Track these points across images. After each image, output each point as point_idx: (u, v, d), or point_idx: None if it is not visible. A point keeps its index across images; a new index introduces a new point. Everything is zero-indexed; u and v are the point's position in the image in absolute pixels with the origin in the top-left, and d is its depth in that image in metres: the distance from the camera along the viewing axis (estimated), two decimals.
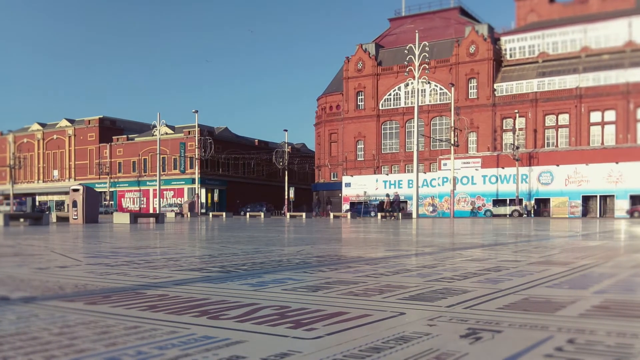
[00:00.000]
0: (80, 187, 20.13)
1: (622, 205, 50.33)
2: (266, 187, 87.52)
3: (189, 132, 76.52)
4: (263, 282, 3.37)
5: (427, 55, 45.86)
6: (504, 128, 67.03)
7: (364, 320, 2.17)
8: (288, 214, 44.09)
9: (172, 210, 53.86)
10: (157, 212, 48.40)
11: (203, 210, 65.33)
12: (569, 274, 3.81)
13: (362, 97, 76.38)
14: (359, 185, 64.34)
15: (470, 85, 69.51)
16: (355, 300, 2.67)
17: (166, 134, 77.64)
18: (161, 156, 64.01)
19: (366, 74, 76.01)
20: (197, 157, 66.59)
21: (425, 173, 61.42)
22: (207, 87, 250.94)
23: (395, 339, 1.85)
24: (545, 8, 74.22)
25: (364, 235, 10.57)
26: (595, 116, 63.85)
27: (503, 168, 56.46)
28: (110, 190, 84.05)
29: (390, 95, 74.88)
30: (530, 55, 69.19)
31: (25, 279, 3.53)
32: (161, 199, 63.83)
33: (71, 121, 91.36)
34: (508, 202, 54.64)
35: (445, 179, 56.05)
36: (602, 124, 63.57)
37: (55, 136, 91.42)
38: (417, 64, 43.52)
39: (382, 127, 75.13)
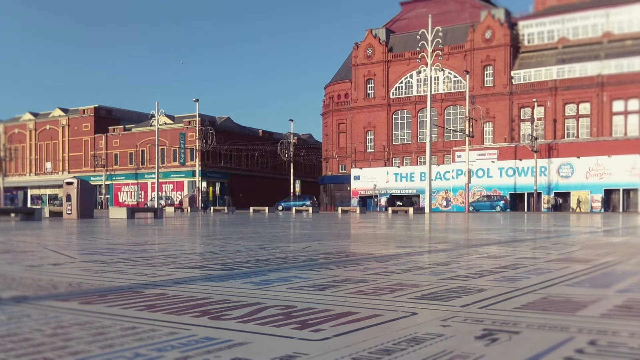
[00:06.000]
0: (75, 180, 20.21)
1: None
2: (271, 179, 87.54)
3: (189, 122, 76.58)
4: (267, 280, 3.38)
5: (441, 41, 45.58)
6: (522, 118, 66.79)
7: (374, 320, 2.17)
8: (294, 209, 44.29)
9: (163, 205, 53.94)
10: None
11: (203, 205, 65.45)
12: (590, 272, 3.80)
13: (372, 85, 76.20)
14: (369, 178, 64.39)
15: (486, 72, 69.23)
16: (364, 300, 2.67)
17: (165, 124, 77.77)
18: (160, 147, 64.11)
19: (376, 60, 75.79)
20: (197, 148, 66.65)
21: (438, 165, 61.36)
22: (208, 75, 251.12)
23: (407, 341, 1.85)
24: None
25: (373, 231, 10.56)
26: (617, 105, 63.50)
27: (521, 160, 56.36)
28: (106, 183, 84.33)
29: (401, 83, 74.69)
30: (550, 41, 68.80)
31: (16, 277, 3.55)
32: (160, 192, 63.96)
33: (65, 110, 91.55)
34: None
35: (459, 172, 56.01)
36: (625, 113, 63.23)
37: (48, 126, 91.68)
38: (429, 50, 43.40)
39: (393, 116, 74.97)
